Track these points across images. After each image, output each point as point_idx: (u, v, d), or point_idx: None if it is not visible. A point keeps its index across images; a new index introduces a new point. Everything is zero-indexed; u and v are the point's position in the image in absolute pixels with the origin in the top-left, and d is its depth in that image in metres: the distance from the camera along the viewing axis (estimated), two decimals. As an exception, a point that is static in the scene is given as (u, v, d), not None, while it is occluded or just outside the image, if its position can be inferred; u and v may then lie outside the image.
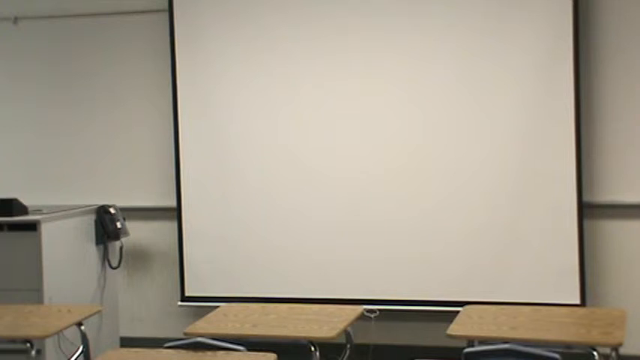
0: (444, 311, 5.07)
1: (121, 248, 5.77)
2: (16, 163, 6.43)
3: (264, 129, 5.86)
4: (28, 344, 4.08)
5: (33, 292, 5.00)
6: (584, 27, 5.40)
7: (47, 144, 6.39)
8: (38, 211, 5.26)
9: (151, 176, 6.25)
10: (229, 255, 5.96)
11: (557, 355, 3.36)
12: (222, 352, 3.61)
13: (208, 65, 5.93)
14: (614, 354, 3.62)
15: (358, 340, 4.54)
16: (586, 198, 5.40)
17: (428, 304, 5.58)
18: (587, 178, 5.44)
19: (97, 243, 5.59)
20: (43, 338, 4.35)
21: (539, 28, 5.35)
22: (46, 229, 5.06)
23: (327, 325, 4.01)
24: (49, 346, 4.90)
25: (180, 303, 6.08)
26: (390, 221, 5.64)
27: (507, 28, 5.41)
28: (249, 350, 3.61)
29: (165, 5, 6.02)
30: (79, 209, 5.52)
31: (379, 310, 5.59)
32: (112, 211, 5.65)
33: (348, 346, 4.32)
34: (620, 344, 3.57)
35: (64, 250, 5.27)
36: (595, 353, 3.61)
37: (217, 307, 4.51)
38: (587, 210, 5.41)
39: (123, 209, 5.78)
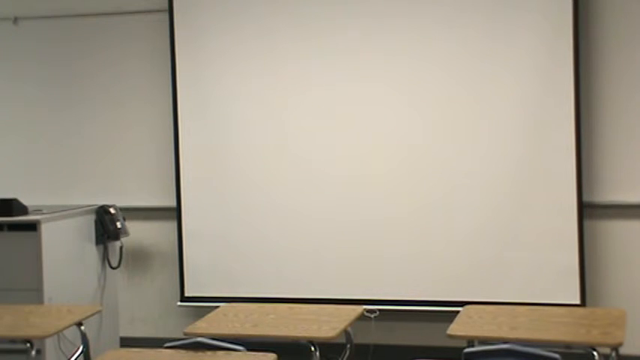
0: (444, 311, 5.08)
1: (121, 248, 5.77)
2: (16, 163, 6.43)
3: (264, 129, 5.86)
4: (28, 344, 4.07)
5: (33, 292, 4.99)
6: (584, 27, 5.40)
7: (47, 144, 6.39)
8: (38, 211, 5.26)
9: (150, 176, 6.25)
10: (229, 255, 5.96)
11: (557, 355, 3.36)
12: (222, 352, 3.61)
13: (208, 65, 5.94)
14: (614, 354, 3.62)
15: (358, 340, 4.54)
16: (586, 198, 5.40)
17: (428, 304, 5.58)
18: (587, 178, 5.44)
19: (97, 243, 5.59)
20: (43, 338, 4.34)
21: (539, 29, 5.35)
22: (46, 229, 5.06)
23: (327, 325, 4.01)
24: (49, 346, 4.90)
25: (179, 303, 6.08)
26: (389, 221, 5.64)
27: (507, 28, 5.41)
28: (249, 350, 3.61)
29: (165, 5, 6.02)
30: (79, 209, 5.52)
31: (379, 310, 5.59)
32: (112, 211, 5.65)
33: (348, 346, 4.31)
34: (620, 344, 3.57)
35: (64, 250, 5.27)
36: (595, 353, 3.61)
37: (217, 307, 4.51)
38: (587, 210, 5.42)
39: (123, 209, 5.78)
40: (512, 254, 5.46)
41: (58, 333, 4.39)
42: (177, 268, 6.07)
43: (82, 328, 4.41)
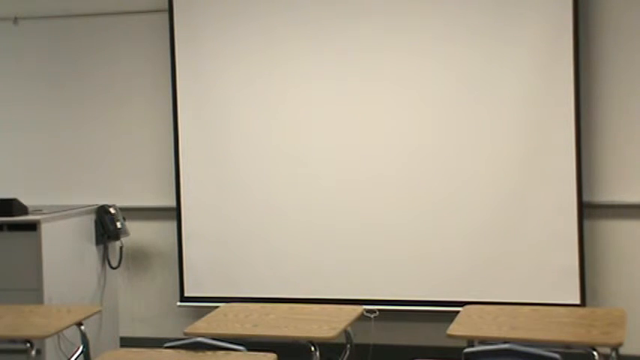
0: (444, 311, 5.08)
1: (121, 248, 5.76)
2: (16, 163, 6.43)
3: (264, 129, 5.86)
4: (28, 344, 4.07)
5: (33, 292, 4.99)
6: (584, 26, 5.40)
7: (47, 144, 6.39)
8: (38, 211, 5.26)
9: (150, 176, 6.25)
10: (229, 255, 5.95)
11: (557, 355, 3.36)
12: (222, 352, 3.61)
13: (208, 65, 5.93)
14: (614, 354, 3.62)
15: (358, 340, 4.54)
16: (586, 198, 5.40)
17: (428, 304, 5.58)
18: (587, 178, 5.44)
19: (97, 243, 5.59)
20: (43, 338, 4.35)
21: (539, 28, 5.35)
22: (46, 229, 5.06)
23: (327, 325, 4.01)
24: (49, 346, 4.90)
25: (179, 303, 6.08)
26: (389, 221, 5.64)
27: (507, 28, 5.41)
28: (249, 350, 3.61)
29: (165, 5, 6.02)
30: (79, 209, 5.52)
31: (379, 310, 5.58)
32: (112, 211, 5.65)
33: (348, 346, 4.31)
34: (620, 344, 3.57)
35: (64, 250, 5.27)
36: (595, 353, 3.61)
37: (217, 307, 4.51)
38: (587, 210, 5.41)
39: (123, 209, 5.78)
40: (512, 254, 5.46)
41: (58, 333, 4.38)
42: (177, 268, 6.07)
43: (82, 328, 4.41)
